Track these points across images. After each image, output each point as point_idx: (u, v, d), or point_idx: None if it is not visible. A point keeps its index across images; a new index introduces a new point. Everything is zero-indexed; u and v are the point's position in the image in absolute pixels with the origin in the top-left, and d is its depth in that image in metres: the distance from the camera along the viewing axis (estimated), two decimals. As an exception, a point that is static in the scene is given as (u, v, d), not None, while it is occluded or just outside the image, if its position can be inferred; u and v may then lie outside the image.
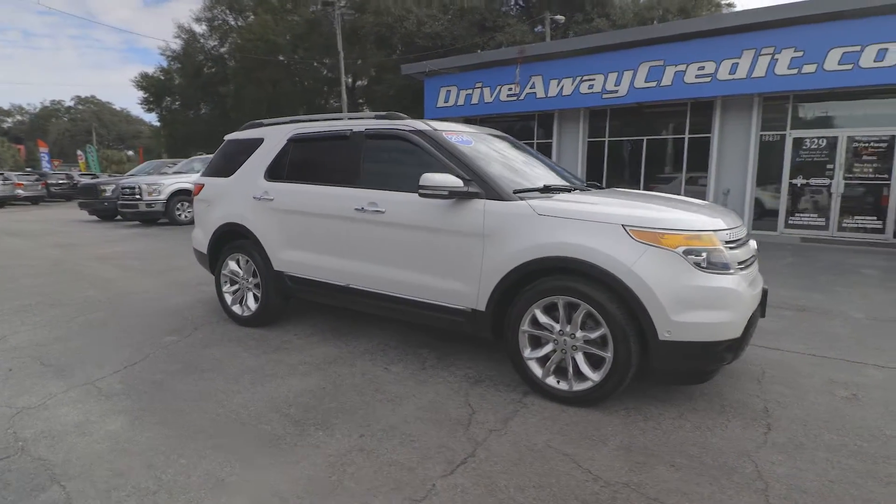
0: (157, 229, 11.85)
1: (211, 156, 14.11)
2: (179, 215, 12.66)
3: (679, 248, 2.59)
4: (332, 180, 3.73)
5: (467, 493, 2.10)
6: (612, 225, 2.69)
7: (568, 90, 11.88)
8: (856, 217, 9.65)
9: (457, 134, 3.50)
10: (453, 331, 3.30)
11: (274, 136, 4.18)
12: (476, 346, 3.78)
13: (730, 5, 25.60)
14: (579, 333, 2.78)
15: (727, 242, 2.72)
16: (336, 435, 2.57)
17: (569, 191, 3.36)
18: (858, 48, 8.56)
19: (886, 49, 8.33)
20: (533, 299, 2.86)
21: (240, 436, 2.56)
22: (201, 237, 4.57)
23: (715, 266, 2.61)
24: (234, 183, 4.31)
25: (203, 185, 4.60)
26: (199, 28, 36.64)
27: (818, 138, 9.78)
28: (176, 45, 38.04)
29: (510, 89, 12.76)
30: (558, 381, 2.88)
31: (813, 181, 9.95)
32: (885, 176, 9.29)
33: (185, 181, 12.77)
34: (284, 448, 2.45)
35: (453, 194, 3.02)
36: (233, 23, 38.23)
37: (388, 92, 29.07)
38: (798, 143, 10.00)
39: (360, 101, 43.46)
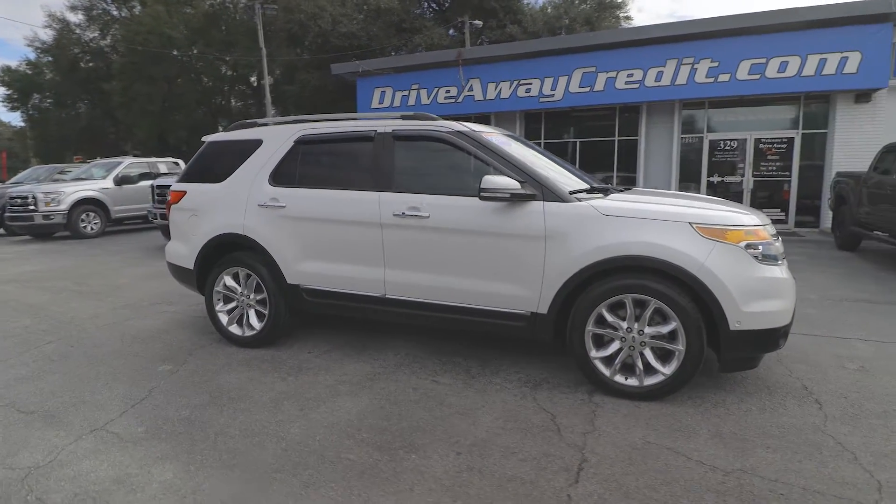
0: (58, 244, 10.38)
1: (124, 159, 12.71)
2: (85, 227, 11.20)
3: (741, 243, 2.75)
4: (356, 184, 3.49)
5: (606, 500, 2.06)
6: (680, 223, 2.78)
7: (506, 93, 12.19)
8: (764, 209, 10.90)
9: (491, 134, 3.44)
10: (507, 336, 3.23)
11: (275, 138, 3.82)
12: (511, 349, 3.73)
13: (628, 18, 27.81)
14: (648, 329, 2.85)
15: (771, 236, 2.93)
16: (432, 456, 2.40)
17: (607, 191, 3.42)
18: (764, 60, 9.70)
19: (787, 62, 9.52)
20: (600, 299, 2.88)
21: (327, 470, 2.31)
22: (184, 251, 4.06)
23: (768, 258, 2.81)
24: (227, 189, 3.87)
25: (184, 192, 4.08)
26: (75, 17, 32.64)
27: (730, 140, 10.94)
28: (47, 35, 33.63)
29: (448, 91, 12.82)
30: (626, 378, 2.92)
31: (727, 178, 11.11)
32: (787, 173, 10.62)
33: (90, 189, 11.34)
34: (387, 477, 2.25)
35: (515, 197, 2.96)
36: (115, 13, 34.56)
37: (301, 92, 27.90)
38: (714, 144, 11.11)
39: (265, 101, 41.33)
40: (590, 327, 2.94)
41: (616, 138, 12.10)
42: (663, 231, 2.78)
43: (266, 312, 3.78)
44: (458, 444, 2.51)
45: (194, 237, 3.96)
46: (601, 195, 3.18)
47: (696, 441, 2.49)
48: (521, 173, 3.07)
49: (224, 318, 3.94)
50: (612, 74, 11.03)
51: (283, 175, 3.72)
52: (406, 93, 13.35)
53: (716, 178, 11.22)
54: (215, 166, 4.05)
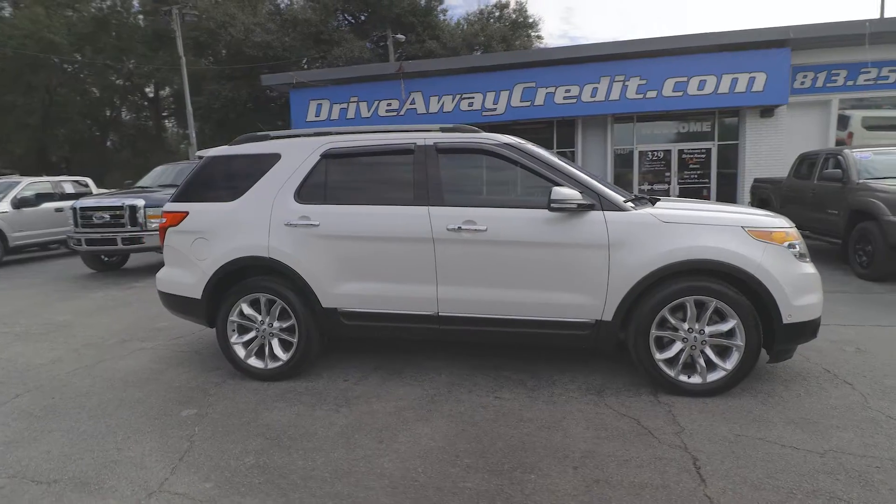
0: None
1: (21, 179, 10.99)
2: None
3: (785, 244, 3.01)
4: (396, 199, 3.35)
5: (742, 495, 2.14)
6: (734, 227, 2.99)
7: (449, 107, 12.35)
8: (688, 213, 12.01)
9: (536, 146, 3.47)
10: (566, 346, 3.25)
11: (297, 152, 3.56)
12: (551, 358, 3.76)
13: (539, 37, 29.45)
14: (708, 329, 3.01)
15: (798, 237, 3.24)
16: (550, 473, 2.35)
17: (650, 201, 3.53)
18: (686, 79, 10.73)
19: (705, 80, 10.61)
20: (663, 303, 3.01)
21: (454, 502, 2.17)
22: (187, 279, 3.63)
23: (803, 256, 3.10)
24: (244, 208, 3.54)
25: (184, 212, 3.66)
26: (-72, 17, 28.24)
27: (657, 151, 11.94)
28: None
29: (389, 104, 12.72)
30: (689, 377, 3.06)
31: (656, 186, 12.09)
32: (706, 180, 11.79)
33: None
34: (520, 501, 2.16)
35: (581, 207, 3.01)
36: (-15, 15, 30.39)
37: (210, 103, 26.18)
38: (643, 155, 12.06)
39: (166, 113, 38.32)
40: (654, 331, 3.05)
41: (554, 149, 12.69)
42: (720, 235, 2.97)
43: (294, 341, 3.48)
44: (567, 458, 2.48)
45: (202, 262, 3.56)
46: (648, 204, 3.32)
47: (776, 429, 2.67)
48: (576, 184, 3.13)
49: (241, 351, 3.57)
50: (551, 90, 11.60)
51: (310, 191, 3.47)
52: (345, 105, 13.06)
53: (646, 186, 12.16)
54: (222, 183, 3.68)
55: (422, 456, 2.54)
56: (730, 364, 3.01)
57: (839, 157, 6.83)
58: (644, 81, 11.02)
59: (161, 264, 3.92)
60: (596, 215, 3.07)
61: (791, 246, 3.04)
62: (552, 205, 2.98)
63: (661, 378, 3.08)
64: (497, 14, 28.56)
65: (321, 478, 2.38)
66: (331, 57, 24.92)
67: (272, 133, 3.78)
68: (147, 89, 35.89)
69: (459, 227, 3.18)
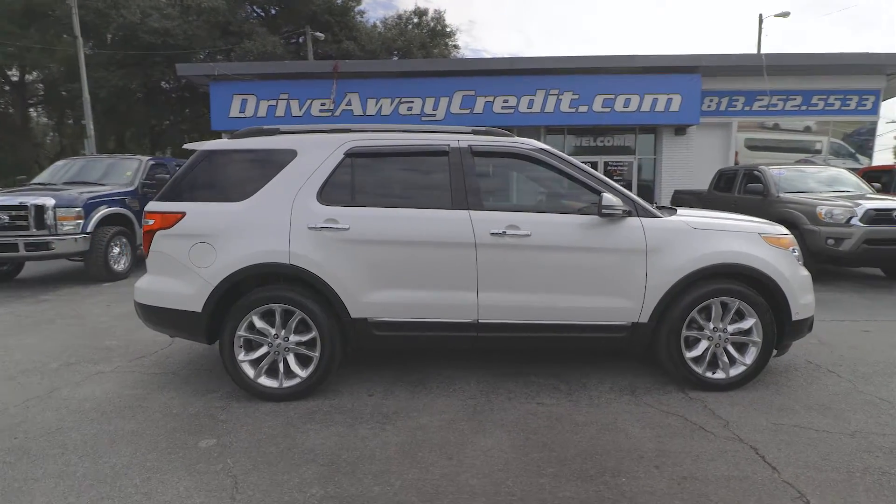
0: None
1: None
2: None
3: (790, 248, 3.34)
4: (430, 202, 3.22)
5: (813, 479, 2.32)
6: (752, 234, 3.26)
7: (387, 110, 12.14)
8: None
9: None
10: (603, 349, 3.32)
11: (315, 149, 3.28)
12: (567, 361, 3.81)
13: (455, 47, 30.02)
14: (730, 327, 3.25)
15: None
16: (638, 475, 2.38)
17: (671, 209, 3.72)
18: (613, 96, 11.56)
19: (630, 99, 11.50)
20: (693, 304, 3.19)
21: (566, 513, 2.11)
22: (183, 290, 3.18)
23: (800, 259, 3.46)
24: (256, 209, 3.18)
25: (180, 213, 3.20)
26: None
27: (585, 163, 12.66)
28: None
29: (323, 104, 12.22)
30: (714, 372, 3.28)
31: (584, 195, 12.84)
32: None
33: None
34: (630, 506, 2.16)
35: (625, 213, 3.10)
36: None
37: (97, 92, 23.22)
38: (572, 165, 12.75)
39: (32, 100, 33.43)
40: (684, 331, 3.22)
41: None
42: (743, 241, 3.22)
43: (315, 355, 3.19)
44: (643, 458, 2.52)
45: (203, 271, 3.14)
46: (671, 211, 3.51)
47: (802, 416, 2.94)
48: (614, 191, 3.23)
49: (250, 370, 3.19)
50: (490, 99, 11.88)
51: (334, 192, 3.22)
52: (274, 102, 12.31)
53: (575, 195, 12.87)
54: (226, 181, 3.29)
55: (503, 469, 2.44)
56: (749, 359, 3.26)
57: (757, 172, 7.75)
58: (576, 96, 11.69)
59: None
60: (634, 221, 3.19)
61: (793, 251, 3.38)
62: (603, 210, 3.04)
63: (690, 375, 3.25)
64: (416, 20, 28.68)
65: (410, 502, 2.19)
66: (240, 50, 23.36)
67: (282, 127, 3.44)
68: (10, 71, 31.09)
69: (504, 232, 3.12)
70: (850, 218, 6.04)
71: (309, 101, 12.28)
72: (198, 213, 3.19)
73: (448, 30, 29.09)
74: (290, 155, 3.27)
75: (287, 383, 3.20)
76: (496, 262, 3.15)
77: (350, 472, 2.42)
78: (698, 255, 3.16)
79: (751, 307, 3.20)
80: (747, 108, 11.98)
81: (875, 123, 12.25)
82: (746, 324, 3.24)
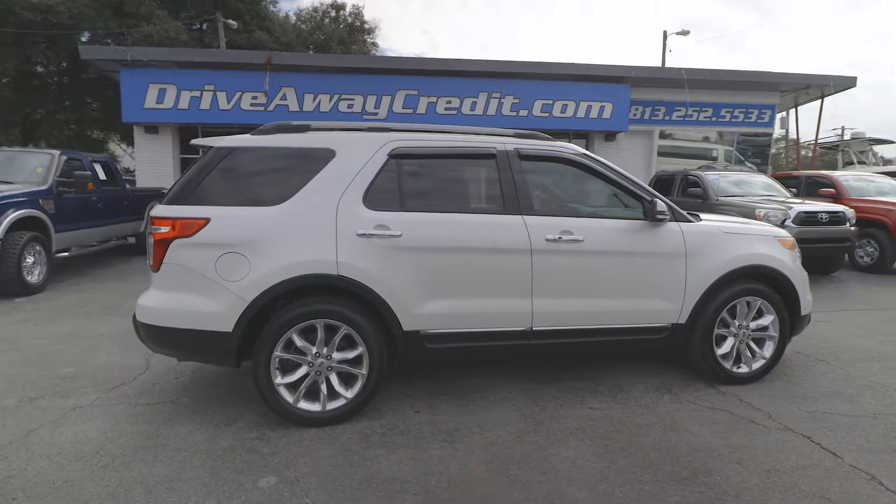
0: None
1: None
2: None
3: (795, 250, 3.67)
4: (484, 207, 3.11)
5: (874, 461, 2.56)
6: (770, 237, 3.54)
7: (326, 106, 11.59)
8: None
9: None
10: (643, 350, 3.40)
11: (357, 149, 3.02)
12: (593, 364, 3.88)
13: (374, 44, 29.42)
14: (752, 324, 3.49)
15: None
16: (728, 473, 2.47)
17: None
18: (552, 102, 12.00)
19: (567, 105, 12.02)
20: (723, 304, 3.39)
21: (692, 519, 2.13)
22: (210, 307, 2.77)
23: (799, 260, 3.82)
24: (297, 215, 2.85)
25: (204, 219, 2.77)
26: None
27: (523, 164, 13.03)
28: None
29: (255, 97, 11.38)
30: (739, 367, 3.50)
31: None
32: (563, 192, 13.31)
33: None
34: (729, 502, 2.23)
35: (670, 218, 3.21)
36: None
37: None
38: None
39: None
40: (716, 330, 3.40)
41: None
42: (764, 244, 3.48)
43: (362, 373, 2.93)
44: (720, 455, 2.62)
45: (235, 285, 2.76)
46: (698, 217, 3.67)
47: (823, 402, 3.24)
48: (655, 197, 3.32)
49: (287, 395, 2.86)
50: (433, 100, 11.80)
51: (380, 196, 2.98)
52: (197, 94, 11.23)
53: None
54: (255, 183, 2.92)
55: (602, 479, 2.41)
56: (767, 353, 3.53)
57: (694, 177, 8.46)
58: (517, 101, 11.98)
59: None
60: (674, 226, 3.31)
61: (797, 252, 3.71)
62: (658, 216, 3.12)
63: (721, 371, 3.44)
64: (333, 14, 27.72)
65: (536, 526, 2.08)
66: (138, 34, 21.01)
67: (313, 123, 3.12)
68: None
69: (559, 238, 3.09)
70: (784, 220, 6.79)
71: (239, 94, 11.35)
72: (225, 220, 2.79)
73: (367, 26, 28.49)
74: (328, 155, 2.98)
75: (331, 406, 2.91)
76: (551, 269, 3.11)
77: (452, 500, 2.25)
78: (730, 257, 3.35)
79: (770, 305, 3.46)
80: (667, 118, 13.07)
81: (771, 135, 13.99)
82: (766, 320, 3.50)
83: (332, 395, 2.93)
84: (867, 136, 16.16)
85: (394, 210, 2.97)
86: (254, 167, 2.95)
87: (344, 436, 2.82)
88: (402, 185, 3.04)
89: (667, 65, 20.42)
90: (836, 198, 8.25)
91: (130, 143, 23.17)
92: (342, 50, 26.09)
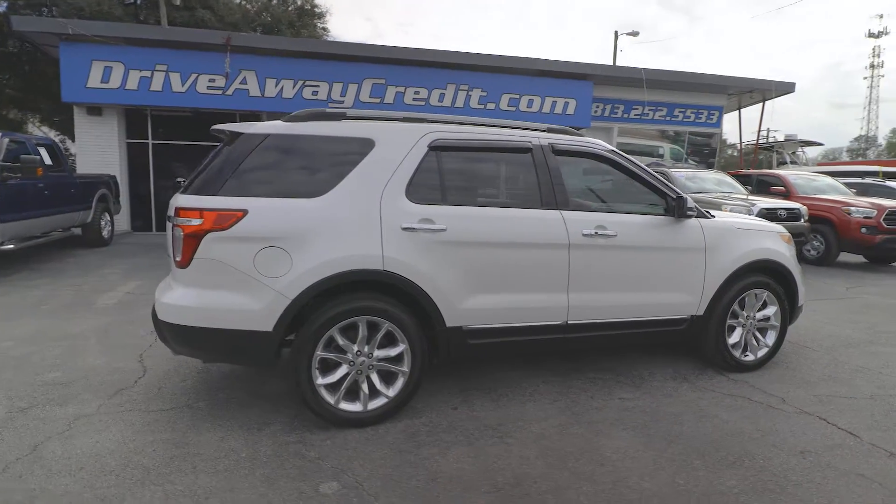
0: None
1: None
2: None
3: (791, 244, 3.93)
4: (522, 202, 3.10)
5: (891, 439, 2.80)
6: (775, 233, 3.76)
7: (289, 93, 11.12)
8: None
9: (619, 155, 3.64)
10: (664, 342, 3.53)
11: (396, 140, 2.91)
12: (608, 356, 3.98)
13: (325, 29, 28.43)
14: (758, 314, 3.72)
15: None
16: (771, 457, 2.61)
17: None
18: (518, 96, 12.14)
19: (533, 100, 12.20)
20: (735, 296, 3.58)
21: (743, 500, 2.24)
22: (249, 304, 2.59)
23: (791, 253, 4.10)
24: (339, 207, 2.72)
25: (241, 211, 2.58)
26: None
27: (489, 157, 13.12)
28: None
29: (212, 80, 10.72)
30: (745, 356, 3.71)
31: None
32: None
33: None
34: (785, 486, 2.36)
35: (699, 215, 3.34)
36: None
37: None
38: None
39: None
40: (728, 321, 3.59)
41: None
42: (770, 239, 3.70)
43: (403, 370, 2.86)
44: (754, 439, 2.77)
45: (276, 281, 2.60)
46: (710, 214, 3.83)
47: (824, 386, 3.50)
48: (675, 192, 3.44)
49: (328, 396, 2.74)
50: (401, 89, 11.61)
51: (422, 189, 2.90)
52: (148, 74, 10.44)
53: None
54: (293, 172, 2.75)
55: (659, 467, 2.49)
56: (770, 341, 3.77)
57: (660, 173, 8.84)
58: (485, 94, 12.02)
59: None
60: (695, 222, 3.45)
61: (793, 246, 3.97)
62: (688, 212, 3.23)
63: (731, 359, 3.64)
64: (281, -5, 26.52)
65: (617, 517, 2.12)
66: (65, 6, 19.19)
67: (349, 111, 2.98)
68: None
69: (595, 233, 3.14)
70: (748, 215, 7.24)
71: (194, 76, 10.65)
72: (264, 211, 2.62)
73: (318, 10, 27.50)
74: (368, 145, 2.86)
75: (372, 405, 2.82)
76: (586, 263, 3.15)
77: (526, 495, 2.25)
78: (743, 252, 3.54)
79: (774, 296, 3.69)
80: (626, 116, 13.56)
81: (718, 134, 14.87)
82: (769, 311, 3.73)
83: (373, 394, 2.84)
84: (798, 137, 17.60)
85: (436, 203, 2.90)
86: (290, 156, 2.78)
87: (389, 436, 2.74)
88: (443, 177, 2.97)
89: (617, 64, 21.20)
90: (786, 195, 8.90)
91: (55, 125, 21.26)
92: (292, 34, 25.02)
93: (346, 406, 2.79)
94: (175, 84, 10.61)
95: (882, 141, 53.89)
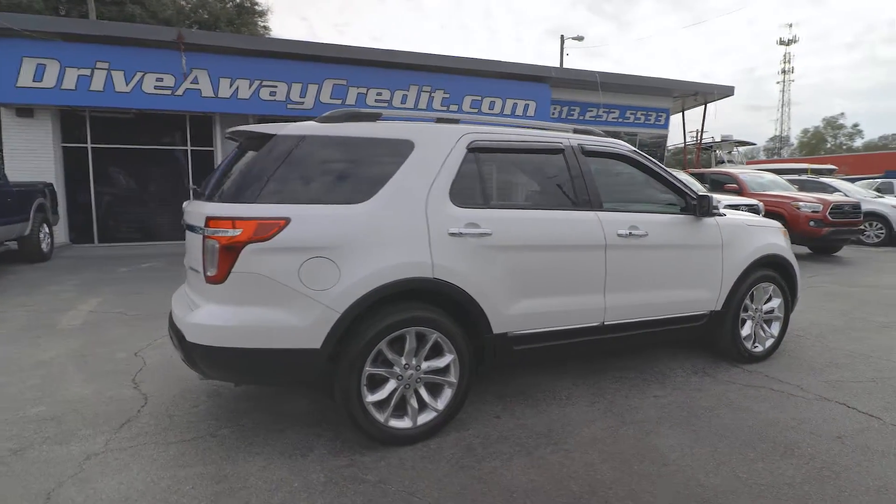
0: None
1: None
2: None
3: (787, 237, 4.15)
4: (558, 203, 3.07)
5: (904, 419, 2.99)
6: (776, 228, 3.96)
7: (245, 93, 10.58)
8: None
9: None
10: (685, 338, 3.60)
11: (434, 141, 2.79)
12: (622, 354, 4.03)
13: (266, 28, 27.39)
14: (765, 307, 3.89)
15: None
16: (814, 444, 2.72)
17: None
18: (480, 98, 12.20)
19: (494, 101, 12.29)
20: (747, 291, 3.73)
21: (809, 489, 2.31)
22: (293, 321, 2.39)
23: (783, 247, 4.33)
24: (384, 212, 2.56)
25: (284, 219, 2.38)
26: None
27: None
28: None
29: (160, 79, 10.02)
30: (755, 347, 3.87)
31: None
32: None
33: None
34: (838, 471, 2.46)
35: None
36: None
37: None
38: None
39: None
40: (741, 314, 3.73)
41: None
42: (774, 235, 3.89)
43: (451, 381, 2.75)
44: (791, 428, 2.88)
45: (324, 294, 2.41)
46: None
47: (829, 372, 3.71)
48: (693, 192, 3.53)
49: (377, 414, 2.58)
50: (363, 90, 11.36)
51: (465, 192, 2.80)
52: (87, 72, 9.60)
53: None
54: (333, 177, 2.57)
55: (718, 462, 2.52)
56: (775, 332, 3.95)
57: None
58: (448, 95, 11.98)
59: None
60: (712, 220, 3.55)
61: (788, 240, 4.20)
62: (713, 211, 3.32)
63: (744, 351, 3.78)
64: (219, -9, 25.30)
65: (704, 517, 2.12)
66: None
67: (384, 111, 2.82)
68: None
69: (629, 233, 3.15)
70: (714, 212, 7.62)
71: (140, 75, 9.88)
72: (309, 220, 2.42)
73: (258, 8, 26.47)
74: (408, 146, 2.72)
75: (422, 420, 2.69)
76: (621, 263, 3.17)
77: (606, 501, 2.20)
78: (754, 248, 3.69)
79: (779, 289, 3.88)
80: (581, 117, 13.97)
81: (665, 136, 15.63)
82: (775, 303, 3.91)
83: (422, 408, 2.70)
84: (734, 138, 18.86)
85: (478, 207, 2.81)
86: (329, 159, 2.59)
87: (444, 451, 2.62)
88: (483, 179, 2.89)
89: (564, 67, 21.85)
90: (739, 192, 9.47)
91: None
92: (231, 31, 23.98)
93: (396, 423, 2.63)
94: (118, 83, 9.82)
95: (794, 141, 58.97)
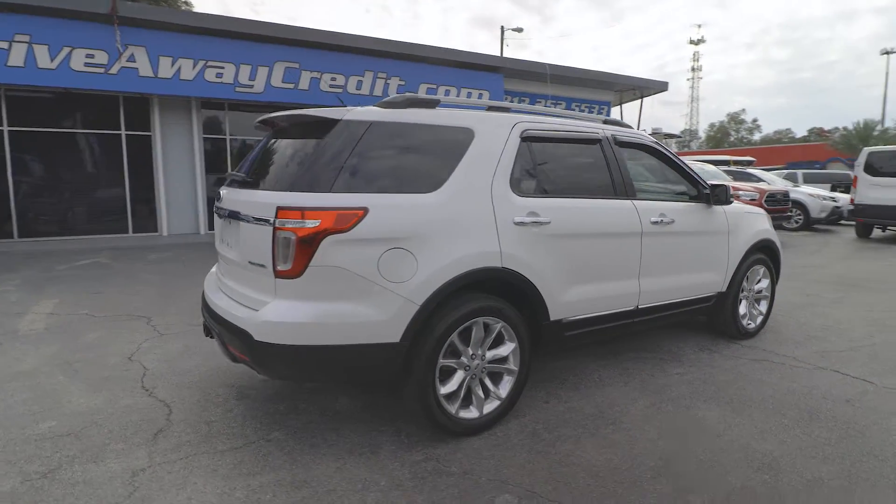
0: None
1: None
2: None
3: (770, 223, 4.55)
4: (599, 192, 3.16)
5: None
6: (765, 215, 4.31)
7: (188, 74, 9.80)
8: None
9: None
10: (695, 319, 3.85)
11: (492, 130, 2.77)
12: (627, 337, 4.24)
13: (186, 3, 25.32)
14: (756, 287, 4.25)
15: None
16: (833, 408, 3.02)
17: None
18: (436, 87, 12.13)
19: (450, 90, 12.26)
20: (745, 272, 4.05)
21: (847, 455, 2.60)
22: (372, 315, 2.30)
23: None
24: (454, 201, 2.51)
25: (362, 209, 2.26)
26: None
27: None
28: None
29: (91, 56, 9.03)
30: (749, 324, 4.23)
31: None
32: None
33: None
34: (856, 434, 2.77)
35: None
36: None
37: None
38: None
39: None
40: (740, 294, 4.06)
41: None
42: (764, 221, 4.24)
43: (512, 368, 2.78)
44: (808, 394, 3.18)
45: (402, 286, 2.34)
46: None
47: (814, 344, 4.12)
48: (704, 181, 3.77)
49: (449, 405, 2.56)
50: (317, 75, 10.91)
51: (523, 181, 2.82)
52: (5, 46, 8.45)
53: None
54: (402, 165, 2.49)
55: (761, 430, 2.74)
56: (763, 309, 4.33)
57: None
58: (403, 83, 11.79)
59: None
60: (719, 208, 3.81)
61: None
62: (729, 200, 3.56)
63: (741, 328, 4.11)
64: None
65: (762, 481, 2.31)
66: None
67: (433, 98, 2.75)
68: None
69: (661, 220, 3.31)
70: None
71: (67, 50, 8.82)
72: (385, 209, 2.33)
73: (181, -17, 24.45)
74: (469, 135, 2.69)
75: (487, 409, 2.70)
76: (653, 249, 3.33)
77: (679, 474, 2.34)
78: (752, 233, 4.02)
79: (768, 271, 4.25)
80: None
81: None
82: (764, 283, 4.28)
83: (488, 397, 2.71)
84: (663, 131, 20.14)
85: (535, 195, 2.83)
86: (396, 147, 2.50)
87: (512, 438, 2.65)
88: (536, 169, 2.91)
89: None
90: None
91: None
92: (149, 4, 21.97)
93: (465, 414, 2.63)
94: (42, 59, 8.73)
95: (702, 134, 63.99)
